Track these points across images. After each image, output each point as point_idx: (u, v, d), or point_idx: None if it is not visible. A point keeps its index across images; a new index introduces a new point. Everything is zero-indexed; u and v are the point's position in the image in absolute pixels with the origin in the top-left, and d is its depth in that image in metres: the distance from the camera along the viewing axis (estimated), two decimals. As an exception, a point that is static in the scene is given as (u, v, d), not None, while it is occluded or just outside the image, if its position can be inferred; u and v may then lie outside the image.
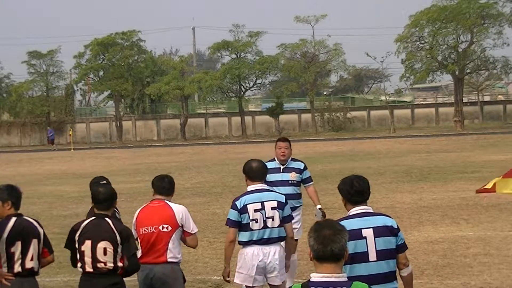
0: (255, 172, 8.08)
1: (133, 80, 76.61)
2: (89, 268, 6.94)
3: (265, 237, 7.86)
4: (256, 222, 7.84)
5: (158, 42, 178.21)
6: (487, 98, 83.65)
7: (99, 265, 6.91)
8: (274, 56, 74.53)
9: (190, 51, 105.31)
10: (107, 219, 7.04)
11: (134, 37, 77.94)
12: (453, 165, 30.34)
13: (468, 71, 72.09)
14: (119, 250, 6.93)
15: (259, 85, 77.61)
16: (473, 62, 71.08)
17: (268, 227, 7.85)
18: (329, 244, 4.35)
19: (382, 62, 76.23)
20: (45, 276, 12.17)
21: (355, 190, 6.01)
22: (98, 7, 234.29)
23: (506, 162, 26.42)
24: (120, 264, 6.96)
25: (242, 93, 75.07)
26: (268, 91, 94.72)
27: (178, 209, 7.77)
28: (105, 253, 6.89)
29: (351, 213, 6.00)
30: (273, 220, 7.86)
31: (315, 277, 4.37)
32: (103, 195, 7.18)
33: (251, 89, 77.21)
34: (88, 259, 6.93)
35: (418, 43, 71.27)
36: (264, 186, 8.07)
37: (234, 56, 74.68)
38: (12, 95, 78.90)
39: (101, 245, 6.90)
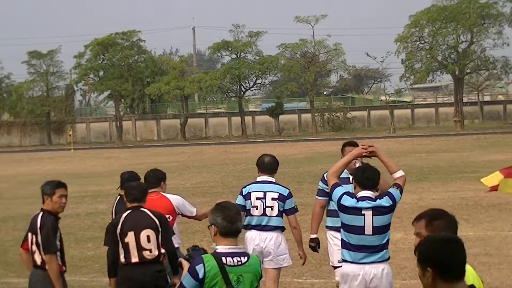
0: (265, 165, 8.81)
1: (133, 80, 76.62)
2: (135, 259, 7.24)
3: (263, 223, 8.62)
4: (256, 209, 8.64)
5: (158, 42, 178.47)
6: (487, 98, 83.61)
7: (144, 253, 7.24)
8: (274, 56, 74.51)
9: (190, 51, 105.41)
10: (143, 209, 7.38)
11: (134, 37, 77.99)
12: (453, 165, 30.35)
13: (468, 71, 72.10)
14: (160, 236, 7.30)
15: (259, 85, 77.64)
16: (473, 62, 71.08)
17: (267, 215, 8.61)
18: (235, 222, 5.21)
19: (382, 62, 76.35)
20: (46, 276, 12.20)
21: (365, 177, 7.09)
22: (98, 7, 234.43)
23: (506, 162, 26.32)
24: (162, 250, 7.32)
25: (242, 93, 75.07)
26: (268, 91, 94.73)
27: (174, 199, 8.42)
28: (148, 240, 7.24)
29: (358, 195, 7.08)
30: (272, 209, 8.60)
31: (222, 248, 5.17)
32: (137, 190, 7.54)
33: (251, 89, 77.21)
34: (133, 250, 7.23)
35: (418, 43, 71.29)
36: (270, 179, 8.76)
37: (234, 56, 74.68)
38: (12, 95, 78.94)
39: (144, 233, 7.25)
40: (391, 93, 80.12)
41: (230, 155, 44.57)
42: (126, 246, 7.25)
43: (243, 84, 74.81)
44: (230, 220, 5.17)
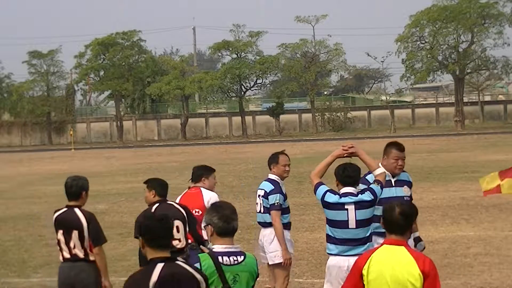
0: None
1: (134, 80, 76.60)
2: None
3: (260, 220, 9.03)
4: (257, 206, 9.04)
5: (159, 42, 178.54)
6: (487, 98, 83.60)
7: (174, 242, 7.54)
8: (275, 56, 74.51)
9: (190, 51, 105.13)
10: (170, 202, 7.98)
11: (135, 37, 77.99)
12: (453, 165, 30.33)
13: (468, 71, 72.08)
14: (187, 226, 7.88)
15: (259, 85, 77.62)
16: (473, 62, 71.09)
17: (259, 212, 9.00)
18: (231, 222, 5.27)
19: (383, 62, 76.53)
20: (46, 276, 12.17)
21: (346, 175, 7.36)
22: (98, 7, 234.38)
23: (506, 162, 26.33)
24: (189, 241, 7.90)
25: (242, 93, 75.06)
26: (268, 91, 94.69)
27: (208, 195, 8.84)
28: (178, 230, 7.75)
29: (340, 192, 7.37)
30: (260, 206, 8.95)
31: (218, 248, 5.26)
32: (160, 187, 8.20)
33: (252, 89, 77.19)
34: None
35: (418, 43, 71.29)
36: (269, 176, 8.99)
37: (234, 56, 74.68)
38: (13, 95, 78.90)
39: (174, 224, 7.58)
40: (392, 93, 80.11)
41: (230, 155, 44.55)
42: None
43: (244, 84, 74.81)
44: (226, 219, 5.25)
